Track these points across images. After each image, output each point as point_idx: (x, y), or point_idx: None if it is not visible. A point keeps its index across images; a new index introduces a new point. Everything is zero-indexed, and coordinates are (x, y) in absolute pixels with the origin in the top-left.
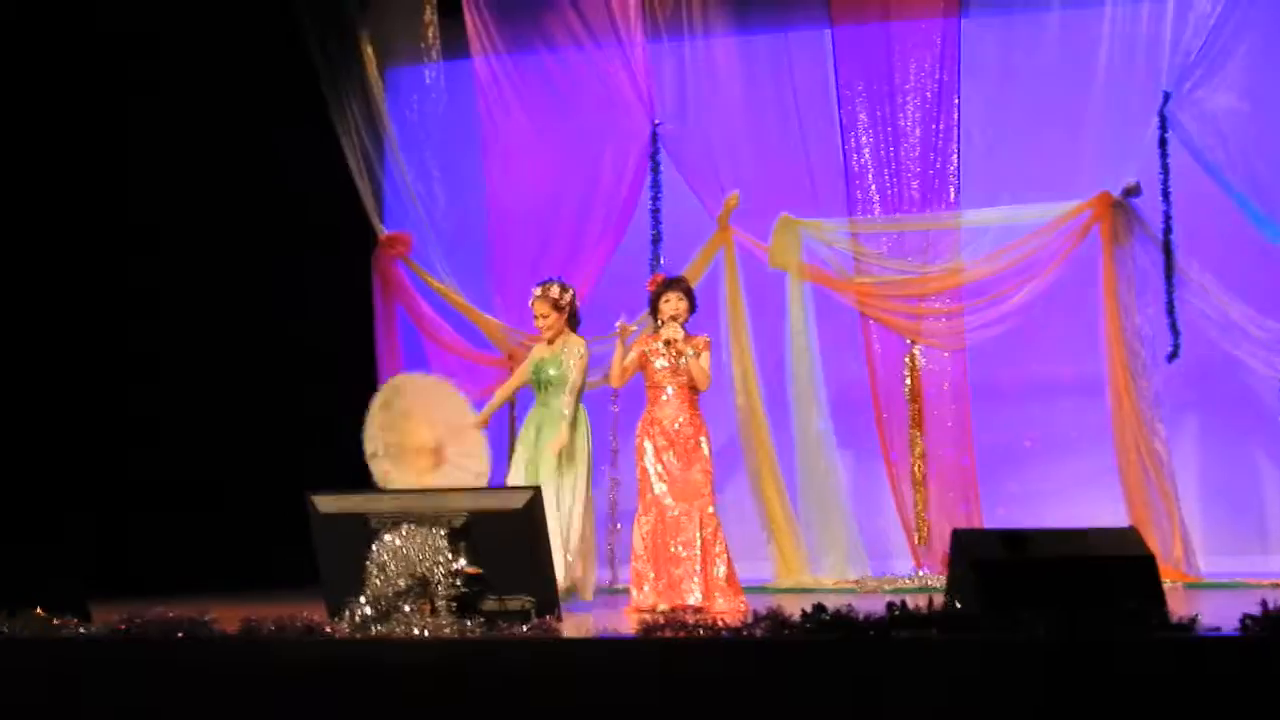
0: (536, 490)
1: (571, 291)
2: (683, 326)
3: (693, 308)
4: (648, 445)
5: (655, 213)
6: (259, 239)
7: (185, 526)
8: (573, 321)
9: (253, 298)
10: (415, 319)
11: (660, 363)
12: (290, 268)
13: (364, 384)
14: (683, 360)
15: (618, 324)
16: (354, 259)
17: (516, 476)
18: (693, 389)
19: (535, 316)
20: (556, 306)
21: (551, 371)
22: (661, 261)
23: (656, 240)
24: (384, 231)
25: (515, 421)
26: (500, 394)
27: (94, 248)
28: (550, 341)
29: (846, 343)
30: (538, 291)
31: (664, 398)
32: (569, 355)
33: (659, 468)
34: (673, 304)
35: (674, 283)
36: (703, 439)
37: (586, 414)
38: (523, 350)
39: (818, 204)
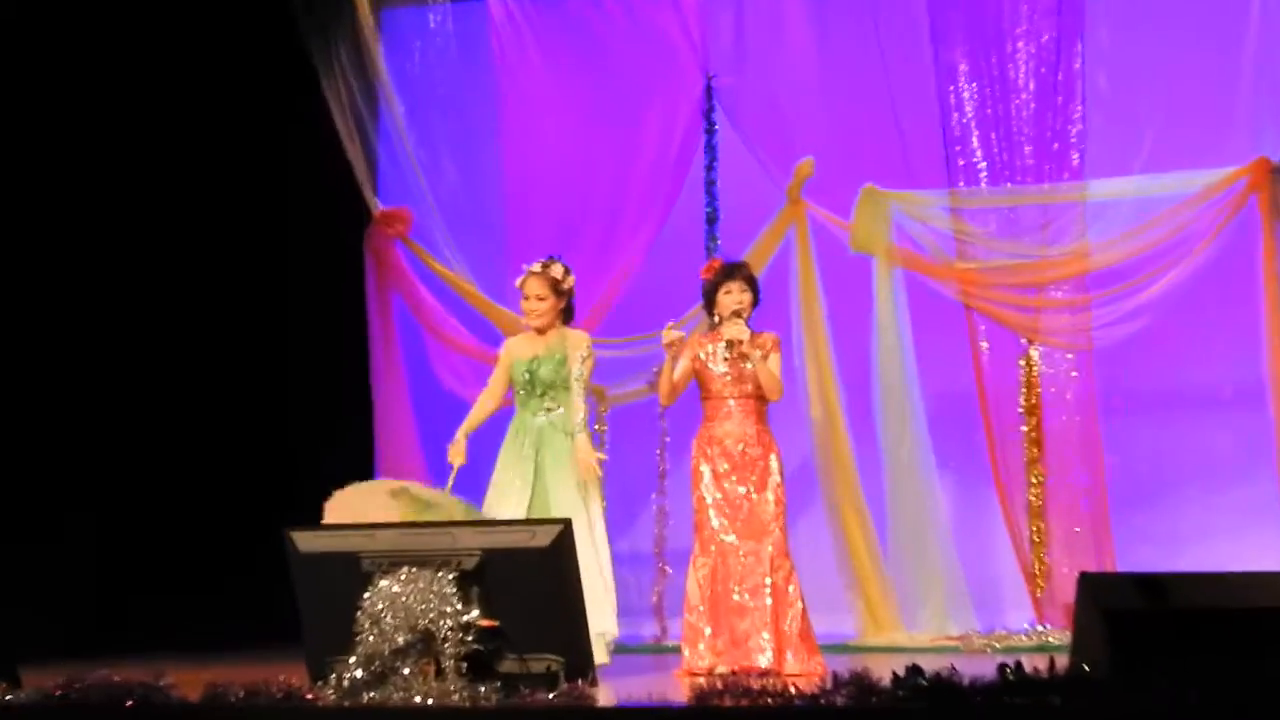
0: (567, 525)
1: (574, 278)
2: (746, 323)
3: (756, 300)
4: (705, 469)
5: (710, 185)
6: (226, 217)
7: (138, 568)
8: (568, 313)
9: (221, 286)
10: (415, 310)
11: (720, 368)
12: (266, 250)
13: (355, 389)
14: (748, 365)
15: (666, 332)
16: (343, 240)
17: (502, 505)
18: (760, 399)
19: (525, 299)
20: (556, 289)
21: (546, 372)
22: (718, 244)
23: (712, 219)
24: (378, 206)
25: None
26: (478, 411)
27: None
28: (541, 333)
29: (947, 342)
30: (535, 268)
31: (725, 410)
32: (570, 352)
33: (719, 496)
34: (734, 296)
35: (734, 270)
36: (773, 460)
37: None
38: None
39: (910, 173)
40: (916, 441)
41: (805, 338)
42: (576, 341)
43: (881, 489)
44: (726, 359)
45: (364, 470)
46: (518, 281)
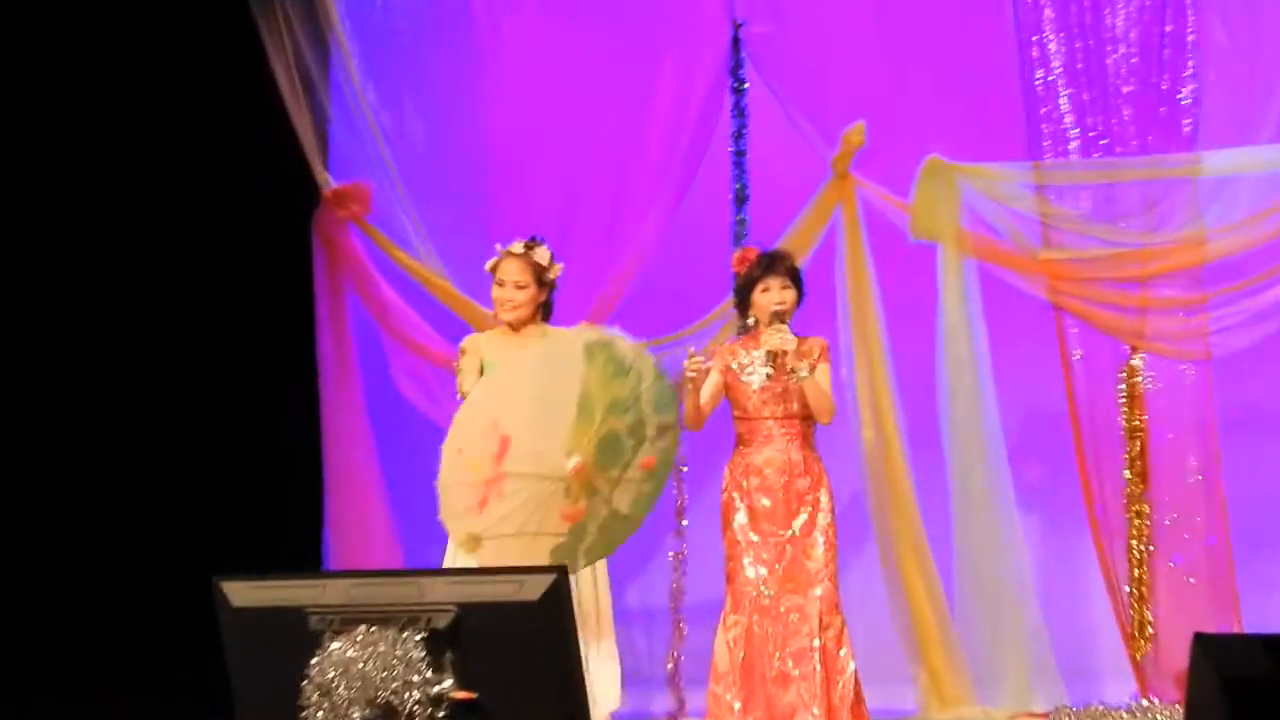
0: (561, 573)
1: (561, 267)
2: (790, 327)
3: (801, 298)
4: (740, 506)
5: (738, 156)
6: (151, 200)
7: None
8: (548, 308)
9: (145, 278)
10: (375, 311)
11: (756, 380)
12: (194, 238)
13: (301, 407)
14: (794, 378)
15: (690, 362)
16: (288, 225)
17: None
18: (807, 420)
19: (499, 285)
20: (540, 278)
21: None
22: (748, 229)
23: (741, 198)
24: (330, 183)
25: None
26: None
27: None
28: (515, 329)
29: (1030, 350)
30: (515, 248)
31: (765, 434)
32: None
33: (756, 539)
34: (774, 294)
35: (774, 261)
36: (824, 495)
37: None
38: None
39: (984, 142)
40: (992, 471)
41: (855, 344)
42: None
43: (948, 528)
44: (768, 373)
45: (309, 504)
46: (490, 264)
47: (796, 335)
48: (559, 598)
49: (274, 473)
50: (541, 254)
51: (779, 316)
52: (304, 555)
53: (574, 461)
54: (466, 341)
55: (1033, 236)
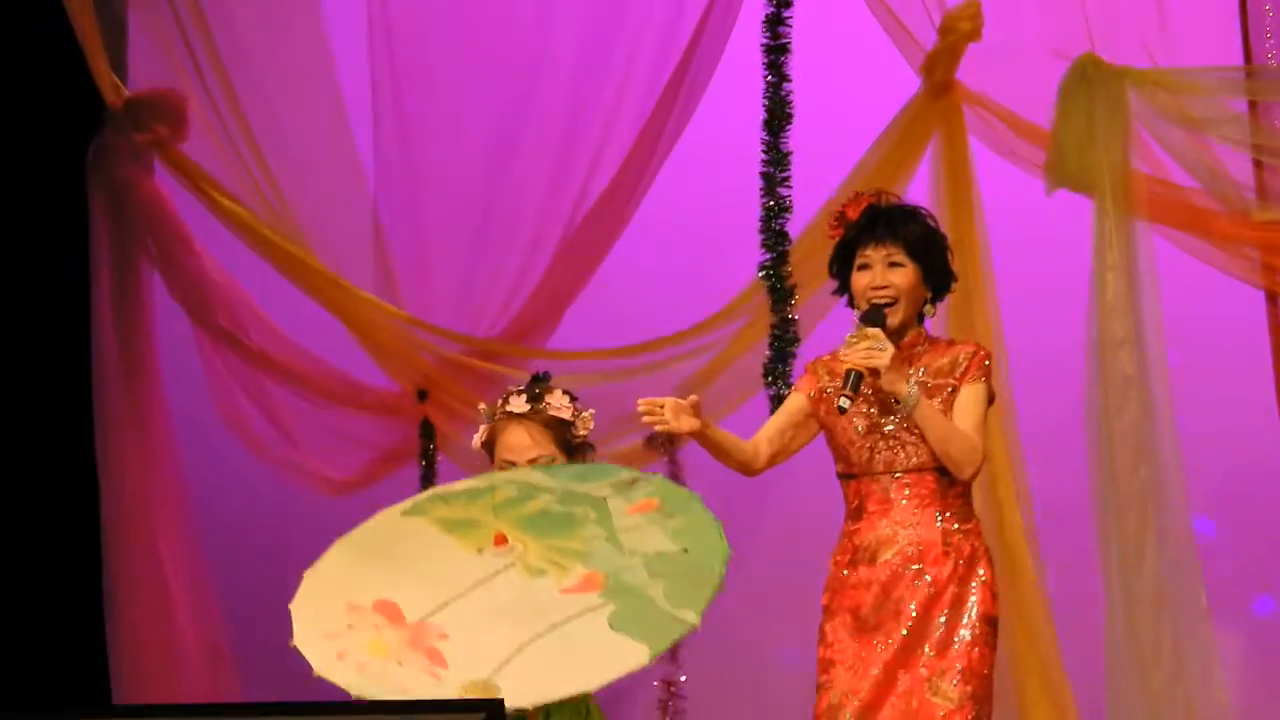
0: (496, 707)
1: (589, 416)
2: (924, 326)
3: (936, 273)
4: (838, 610)
5: (774, 56)
6: None
7: None
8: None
9: None
10: (186, 293)
11: (854, 422)
12: None
13: (67, 442)
14: (902, 408)
15: (642, 406)
16: (49, 161)
17: None
18: (943, 475)
19: (504, 463)
20: (566, 442)
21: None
22: (787, 168)
23: (777, 118)
24: (123, 90)
25: None
26: None
27: None
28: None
29: (1228, 350)
30: (514, 405)
31: (877, 499)
32: None
33: (882, 649)
34: (876, 271)
35: (877, 219)
36: (972, 597)
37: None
38: (441, 374)
39: (1165, 36)
40: (1165, 509)
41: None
42: None
43: (1092, 589)
44: (846, 400)
45: (82, 598)
46: (479, 438)
47: (928, 338)
48: None
49: (24, 553)
50: (559, 402)
51: (874, 309)
52: (78, 679)
53: (487, 547)
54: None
55: (1244, 185)
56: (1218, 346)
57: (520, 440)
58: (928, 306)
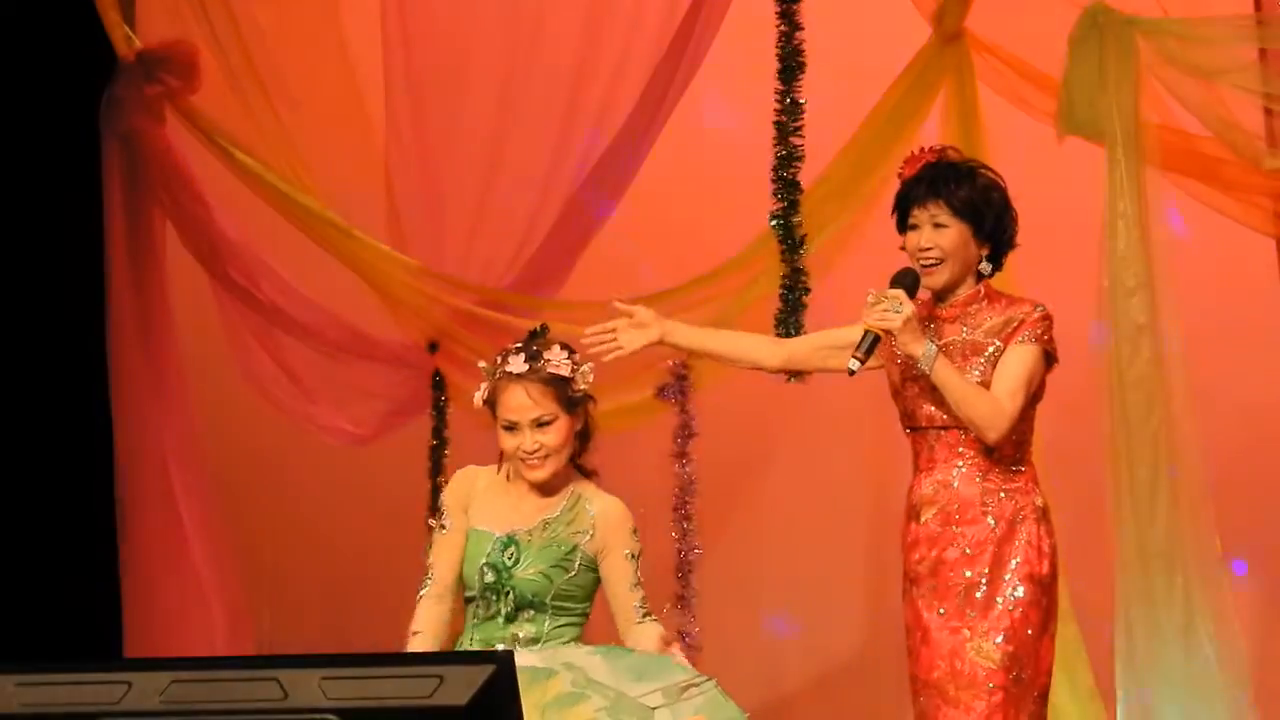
0: (503, 662)
1: (588, 370)
2: (978, 282)
3: (989, 234)
4: (913, 570)
5: (787, 17)
6: None
7: None
8: (584, 438)
9: None
10: (203, 249)
11: (891, 365)
12: None
13: (80, 398)
14: (975, 370)
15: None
16: (62, 112)
17: None
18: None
19: (511, 429)
20: (568, 399)
21: (534, 571)
22: (798, 117)
23: (789, 69)
24: (135, 41)
25: None
26: (428, 622)
27: None
28: (539, 487)
29: (1248, 322)
30: (512, 365)
31: (926, 453)
32: (601, 531)
33: (929, 615)
34: (922, 233)
35: (922, 178)
36: (1017, 556)
37: None
38: (451, 325)
39: None
40: (1178, 456)
41: None
42: (605, 508)
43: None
44: (857, 363)
45: (96, 554)
46: (479, 397)
47: (988, 297)
48: (500, 702)
49: (38, 505)
50: (557, 358)
51: (900, 275)
52: (89, 632)
53: None
54: (454, 482)
55: (1255, 133)
56: (1230, 295)
57: (520, 400)
58: (983, 264)
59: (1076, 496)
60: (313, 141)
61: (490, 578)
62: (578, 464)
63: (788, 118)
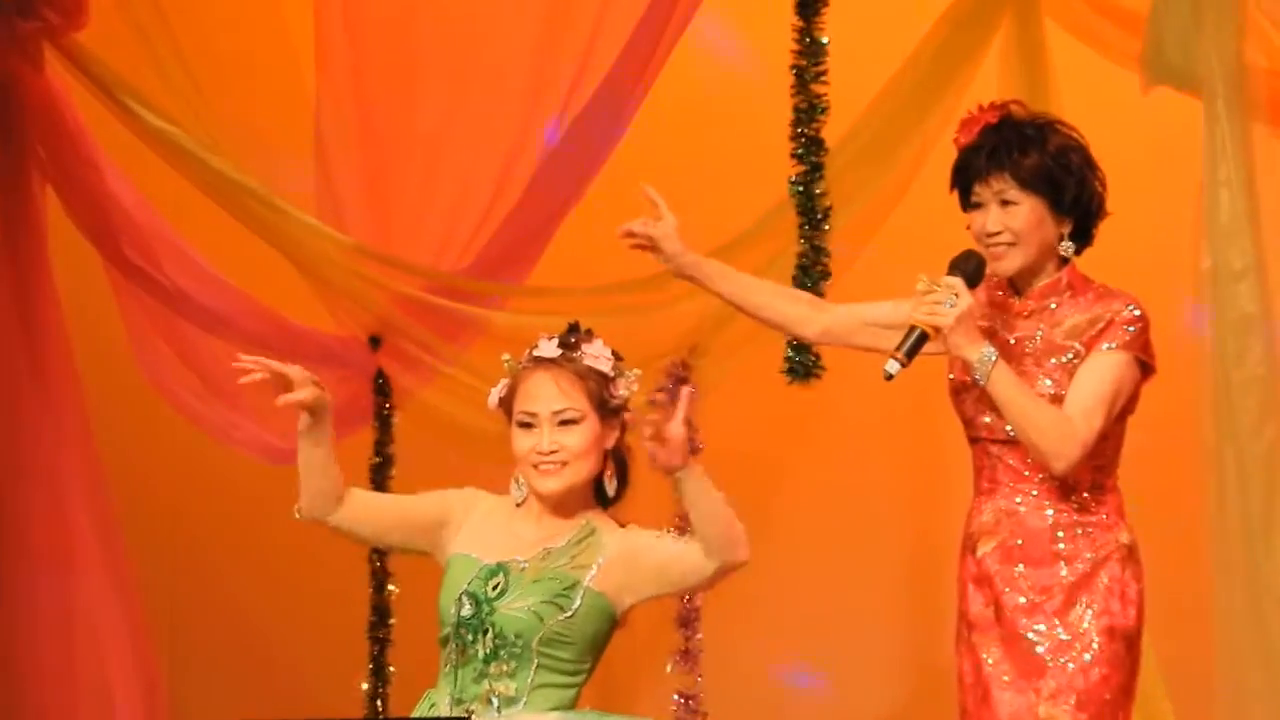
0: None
1: (633, 377)
2: (1065, 270)
3: (1083, 209)
4: (973, 602)
5: None
6: None
7: None
8: (621, 470)
9: None
10: (93, 222)
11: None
12: None
13: None
14: (1047, 380)
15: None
16: None
17: None
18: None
19: (526, 426)
20: (603, 402)
21: (520, 608)
22: (818, 59)
23: (810, 2)
24: None
25: None
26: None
27: None
28: (549, 509)
29: None
30: (543, 349)
31: (989, 473)
32: (606, 559)
33: (995, 658)
34: (989, 214)
35: (982, 144)
36: (1098, 594)
37: None
38: (397, 316)
39: None
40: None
41: None
42: (630, 536)
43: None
44: (897, 365)
45: None
46: (498, 392)
47: (1072, 287)
48: None
49: None
50: (598, 351)
51: (961, 260)
52: None
53: None
54: (467, 490)
55: None
56: None
57: (545, 389)
58: (1064, 244)
59: (1167, 529)
60: (229, 94)
61: (468, 610)
62: (607, 497)
63: (808, 61)
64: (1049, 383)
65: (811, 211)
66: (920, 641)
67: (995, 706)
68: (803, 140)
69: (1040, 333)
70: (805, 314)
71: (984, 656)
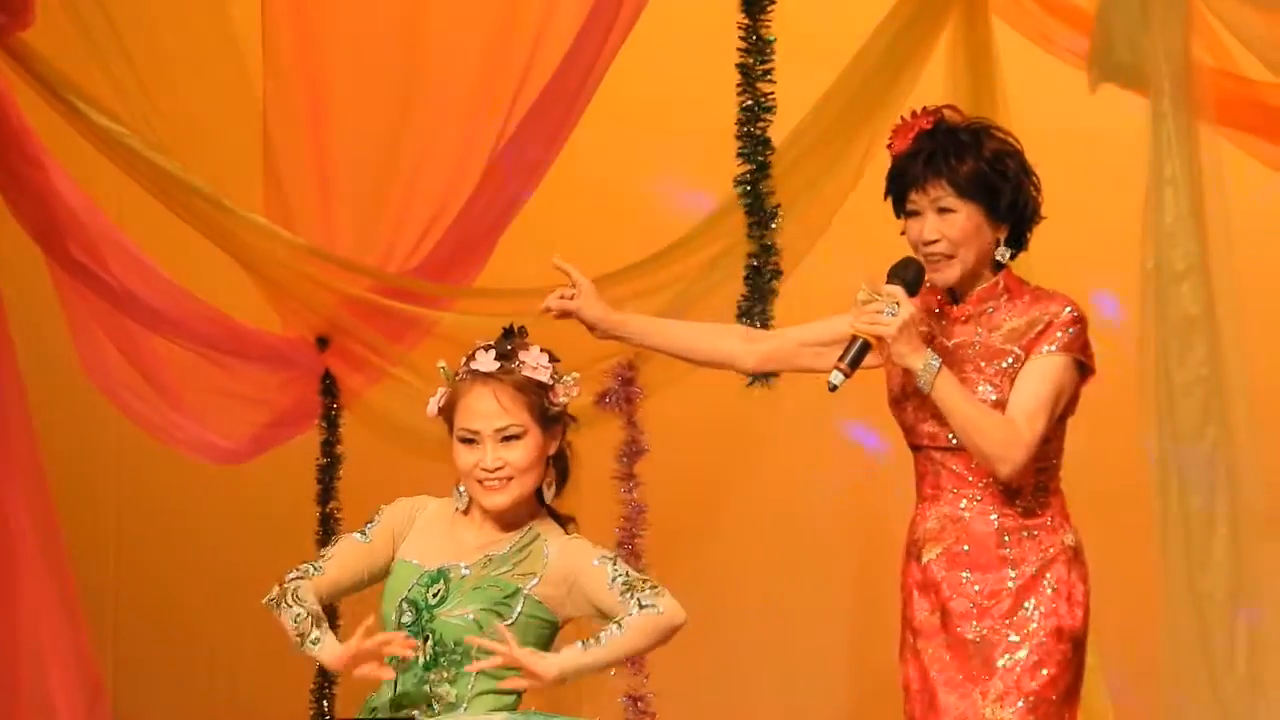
0: None
1: (571, 381)
2: (1002, 274)
3: (1019, 214)
4: (918, 609)
5: None
6: None
7: None
8: (562, 473)
9: None
10: (36, 220)
11: (893, 371)
12: None
13: None
14: (987, 386)
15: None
16: None
17: None
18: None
19: (468, 442)
20: (543, 412)
21: (459, 615)
22: (769, 67)
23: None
24: None
25: None
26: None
27: None
28: (494, 518)
29: None
30: (480, 363)
31: (932, 479)
32: (548, 566)
33: (943, 664)
34: (925, 222)
35: (947, 149)
36: (1045, 594)
37: None
38: (344, 316)
39: None
40: (1243, 544)
41: None
42: (571, 547)
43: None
44: (841, 376)
45: None
46: (435, 403)
47: (1009, 290)
48: None
49: None
50: (535, 360)
51: (898, 267)
52: None
53: None
54: (393, 509)
55: None
56: None
57: (485, 405)
58: (1000, 250)
59: (1110, 531)
60: (176, 94)
61: (408, 617)
62: (549, 506)
63: (754, 59)
64: (990, 388)
65: (759, 210)
66: (867, 644)
67: (942, 711)
68: (749, 139)
69: (979, 338)
70: (738, 348)
71: (928, 662)
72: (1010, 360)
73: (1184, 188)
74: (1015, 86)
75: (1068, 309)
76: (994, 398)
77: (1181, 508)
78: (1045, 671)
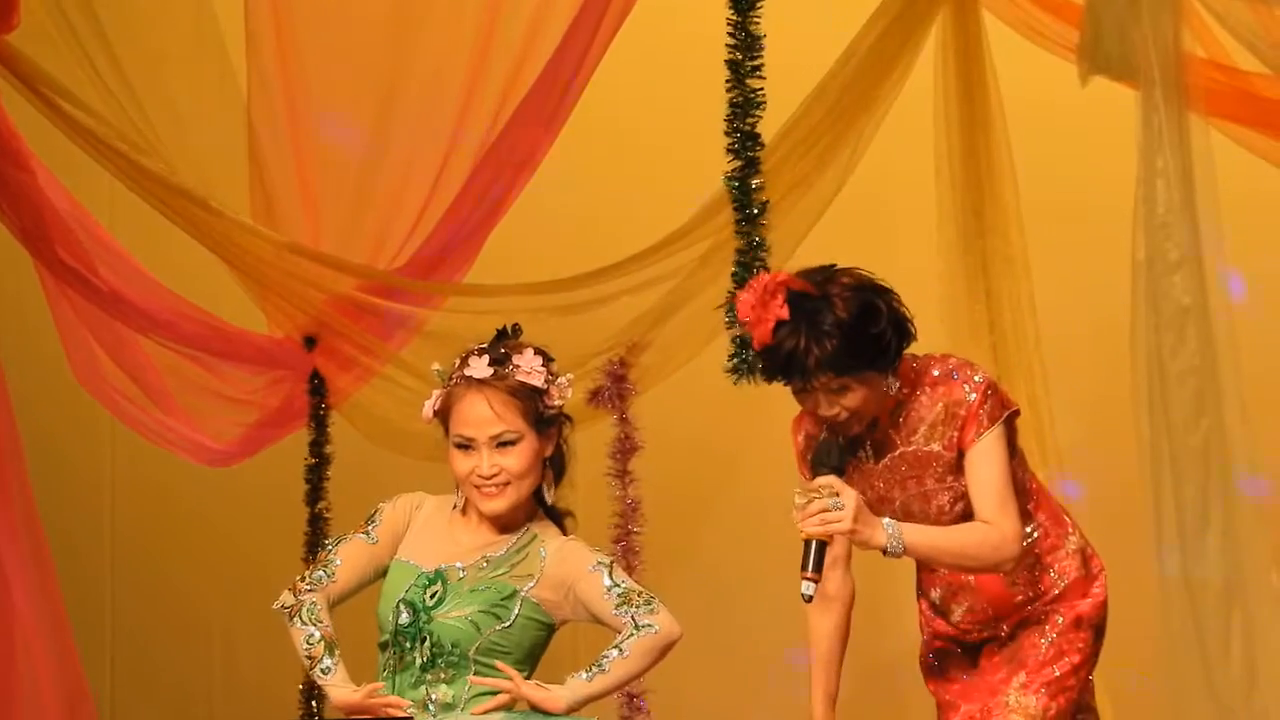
0: None
1: (565, 382)
2: (892, 380)
3: (892, 353)
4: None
5: None
6: None
7: None
8: (559, 470)
9: None
10: (24, 223)
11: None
12: None
13: None
14: (941, 493)
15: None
16: None
17: None
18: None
19: (465, 449)
20: (537, 415)
21: (458, 617)
22: (758, 63)
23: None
24: None
25: None
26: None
27: None
28: (492, 521)
29: None
30: (474, 368)
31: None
32: (544, 568)
33: (964, 677)
34: (822, 403)
35: (810, 343)
36: (1065, 592)
37: None
38: (332, 315)
39: None
40: (1238, 535)
41: (973, 265)
42: (568, 550)
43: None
44: (809, 590)
45: None
46: (430, 406)
47: (907, 390)
48: None
49: None
50: (529, 364)
51: (819, 454)
52: None
53: None
54: (409, 495)
55: None
56: None
57: (480, 412)
58: (889, 380)
59: (1106, 523)
60: (161, 94)
61: (406, 618)
62: (547, 504)
63: (743, 55)
64: (949, 493)
65: (748, 206)
66: (865, 638)
67: (972, 692)
68: (738, 135)
69: (909, 448)
70: (835, 629)
71: (954, 673)
72: (948, 458)
73: (1175, 179)
74: (1005, 80)
75: (969, 388)
76: (950, 494)
77: (1175, 498)
78: (1068, 660)
